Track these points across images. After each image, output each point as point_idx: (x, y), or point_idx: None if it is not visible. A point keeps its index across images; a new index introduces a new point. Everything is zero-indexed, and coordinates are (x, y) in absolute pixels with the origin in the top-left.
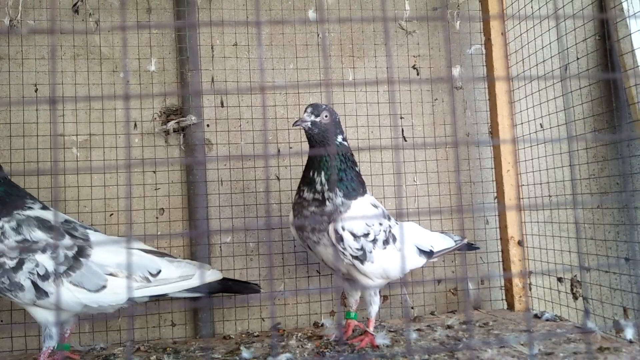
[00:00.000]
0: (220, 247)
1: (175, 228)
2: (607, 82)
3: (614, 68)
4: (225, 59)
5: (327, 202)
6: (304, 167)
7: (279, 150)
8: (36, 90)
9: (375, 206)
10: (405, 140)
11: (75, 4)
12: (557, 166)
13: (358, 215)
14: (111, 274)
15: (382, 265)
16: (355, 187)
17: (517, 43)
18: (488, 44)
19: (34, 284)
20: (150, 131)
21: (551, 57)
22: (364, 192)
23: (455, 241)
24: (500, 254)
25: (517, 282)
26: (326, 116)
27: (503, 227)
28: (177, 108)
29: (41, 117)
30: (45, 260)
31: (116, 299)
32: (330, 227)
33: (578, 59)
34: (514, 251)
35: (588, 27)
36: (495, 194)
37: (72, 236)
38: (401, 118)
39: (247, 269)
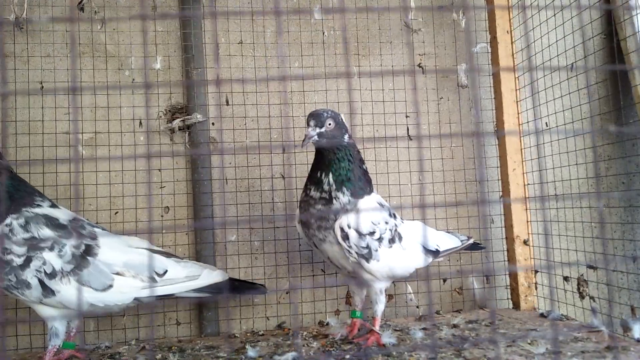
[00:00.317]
0: (225, 245)
1: (181, 228)
2: (613, 80)
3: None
4: (230, 57)
5: (334, 201)
6: (309, 165)
7: (283, 149)
8: (42, 88)
9: (382, 205)
10: (411, 139)
11: (81, 1)
12: (563, 165)
13: (364, 213)
14: (118, 273)
15: (388, 263)
16: (362, 186)
17: (522, 41)
18: (494, 42)
19: (41, 282)
20: (156, 129)
21: (557, 55)
22: (371, 191)
23: (461, 241)
24: (506, 253)
25: (522, 281)
26: (330, 124)
27: (509, 226)
28: (183, 106)
29: (47, 115)
30: (52, 259)
31: (122, 299)
32: (336, 225)
33: (586, 56)
34: (520, 250)
35: (594, 25)
36: (501, 193)
37: (80, 234)
38: (407, 117)
39: (251, 267)
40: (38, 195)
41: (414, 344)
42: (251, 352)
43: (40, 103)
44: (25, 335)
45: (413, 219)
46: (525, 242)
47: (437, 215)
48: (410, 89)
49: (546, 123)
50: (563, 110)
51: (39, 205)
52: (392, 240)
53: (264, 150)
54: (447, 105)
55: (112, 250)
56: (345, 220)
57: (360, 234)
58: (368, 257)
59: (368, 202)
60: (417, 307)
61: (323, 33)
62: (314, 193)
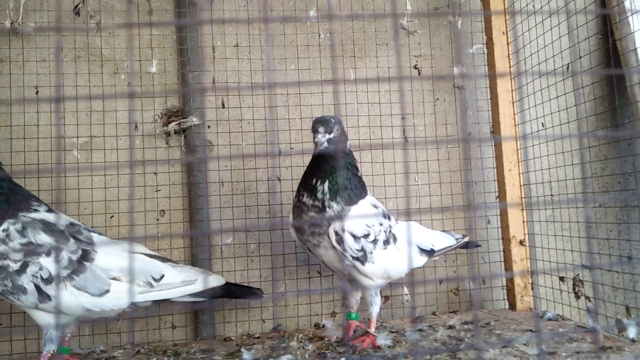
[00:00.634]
0: (221, 248)
1: (176, 230)
2: (609, 80)
3: (617, 66)
4: (226, 60)
5: (327, 209)
6: (305, 168)
7: (280, 151)
8: (37, 93)
9: (376, 206)
10: (407, 141)
11: (77, 5)
12: (559, 165)
13: (358, 216)
14: (114, 278)
15: (383, 265)
16: (357, 192)
17: (518, 42)
18: (489, 43)
19: (37, 287)
20: (151, 133)
21: (553, 56)
22: (365, 195)
23: (456, 239)
24: (502, 253)
25: (518, 281)
26: (337, 129)
27: (505, 227)
28: (178, 109)
29: (42, 119)
30: (49, 264)
31: (119, 304)
32: (330, 229)
33: (580, 57)
34: (516, 251)
35: (590, 25)
36: (497, 194)
37: (77, 239)
38: (403, 118)
39: (247, 270)
40: (35, 200)
41: (410, 349)
42: (246, 355)
43: (36, 107)
44: (19, 340)
45: (409, 220)
46: (521, 243)
47: (434, 216)
48: (406, 90)
49: (542, 123)
50: (559, 111)
51: (35, 210)
52: (386, 242)
53: (260, 153)
54: (443, 106)
55: (109, 256)
56: (339, 224)
57: (355, 237)
58: (363, 260)
59: (362, 206)
60: (414, 307)
61: (319, 35)
62: (307, 200)
